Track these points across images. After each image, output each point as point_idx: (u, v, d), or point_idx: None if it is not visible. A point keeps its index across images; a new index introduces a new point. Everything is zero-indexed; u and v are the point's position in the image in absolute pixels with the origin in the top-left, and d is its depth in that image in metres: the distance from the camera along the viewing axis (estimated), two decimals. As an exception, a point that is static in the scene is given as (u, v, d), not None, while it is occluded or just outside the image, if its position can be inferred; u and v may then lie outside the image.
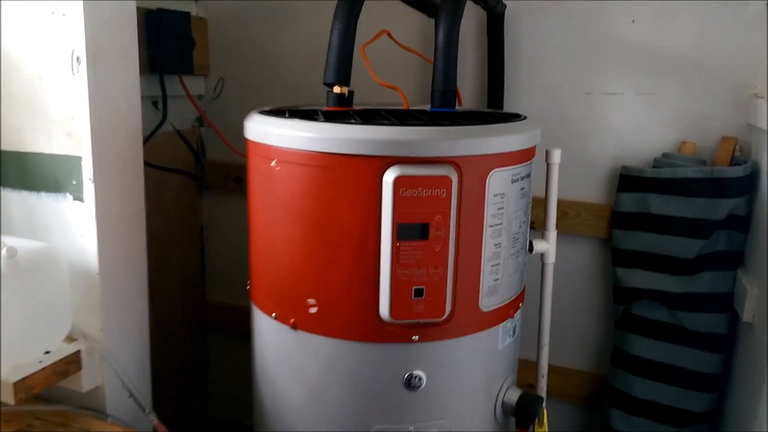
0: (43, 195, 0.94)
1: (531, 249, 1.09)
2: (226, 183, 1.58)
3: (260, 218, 0.94)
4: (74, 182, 0.92)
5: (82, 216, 0.92)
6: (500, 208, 0.88)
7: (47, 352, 0.89)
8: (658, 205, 1.21)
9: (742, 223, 1.18)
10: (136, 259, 1.00)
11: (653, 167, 1.23)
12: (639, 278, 1.23)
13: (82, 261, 0.93)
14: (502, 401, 0.97)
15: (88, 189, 0.91)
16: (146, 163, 1.05)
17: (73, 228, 0.93)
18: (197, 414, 1.73)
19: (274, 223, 0.90)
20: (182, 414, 1.65)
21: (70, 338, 0.94)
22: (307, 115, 0.94)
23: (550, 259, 1.14)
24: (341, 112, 0.97)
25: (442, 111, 0.99)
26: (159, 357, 1.16)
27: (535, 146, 0.97)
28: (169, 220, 1.52)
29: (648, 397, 1.21)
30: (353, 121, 0.87)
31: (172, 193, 1.52)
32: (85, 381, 0.92)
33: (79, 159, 0.91)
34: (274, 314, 0.93)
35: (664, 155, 1.25)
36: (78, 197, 0.92)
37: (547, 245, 1.13)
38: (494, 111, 1.25)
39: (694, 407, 1.19)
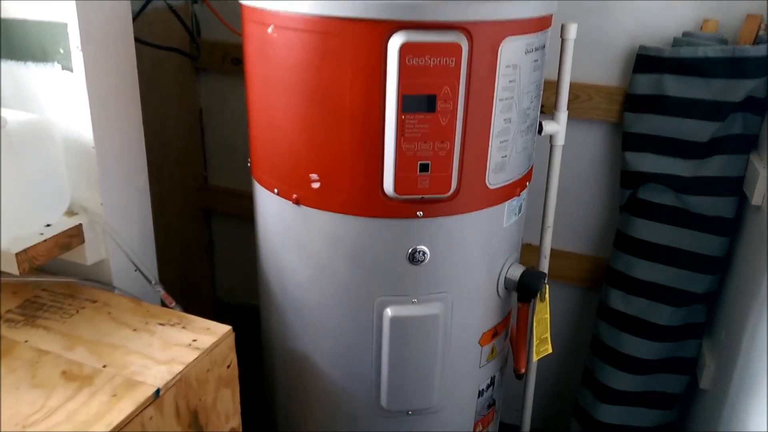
0: (30, 65, 0.90)
1: (540, 130, 1.06)
2: (224, 64, 1.52)
3: (258, 90, 0.90)
4: (61, 51, 0.87)
5: (73, 87, 0.88)
6: (512, 81, 0.84)
7: (48, 226, 0.88)
8: (675, 86, 1.16)
9: (759, 105, 1.14)
10: (132, 134, 0.97)
11: (672, 47, 1.17)
12: (648, 162, 1.21)
13: (75, 134, 0.90)
14: (505, 277, 0.98)
15: (77, 58, 0.86)
16: (138, 40, 1.00)
17: (64, 99, 0.89)
18: (205, 295, 1.77)
19: (272, 95, 0.87)
20: (190, 295, 1.69)
21: (71, 212, 0.93)
22: (307, -23, 0.87)
23: (559, 141, 1.11)
24: (344, -25, 0.91)
25: (453, -25, 0.92)
26: (164, 240, 1.17)
27: (551, 15, 0.91)
28: (167, 102, 1.48)
29: (647, 278, 1.23)
30: (356, -18, 0.81)
31: (168, 73, 1.46)
32: (89, 254, 0.93)
33: (64, 26, 0.85)
34: (276, 190, 0.92)
35: (685, 34, 1.19)
36: (67, 66, 0.87)
37: (557, 126, 1.10)
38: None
39: (693, 288, 1.21)
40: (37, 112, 0.91)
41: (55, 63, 0.88)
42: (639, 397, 1.29)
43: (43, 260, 0.86)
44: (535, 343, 1.08)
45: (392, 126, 0.80)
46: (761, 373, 0.91)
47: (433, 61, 0.77)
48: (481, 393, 1.05)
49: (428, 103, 0.79)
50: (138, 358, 0.80)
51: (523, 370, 1.11)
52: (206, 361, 0.82)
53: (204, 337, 0.85)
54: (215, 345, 0.84)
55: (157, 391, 0.74)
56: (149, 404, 0.73)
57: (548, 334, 1.08)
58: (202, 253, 1.74)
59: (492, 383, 1.07)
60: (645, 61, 1.19)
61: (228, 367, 0.87)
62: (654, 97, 1.19)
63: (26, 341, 0.83)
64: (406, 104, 0.79)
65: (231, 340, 0.87)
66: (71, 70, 0.87)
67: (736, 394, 1.01)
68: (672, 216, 1.20)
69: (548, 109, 1.17)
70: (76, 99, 0.88)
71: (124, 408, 0.71)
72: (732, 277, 1.20)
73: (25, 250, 0.83)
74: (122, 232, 0.96)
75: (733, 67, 1.11)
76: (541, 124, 1.04)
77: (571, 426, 1.40)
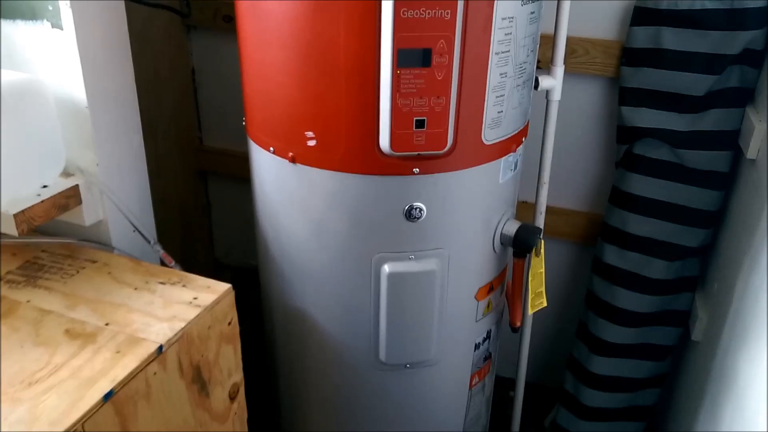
0: (19, 23, 0.88)
1: (536, 85, 1.05)
2: (215, 22, 1.49)
3: (251, 47, 0.89)
4: (50, 8, 0.85)
5: (63, 45, 0.86)
6: (508, 34, 0.83)
7: (45, 187, 0.88)
8: (672, 39, 1.15)
9: (757, 57, 1.13)
10: (125, 93, 0.96)
11: (670, -2, 1.16)
12: (645, 117, 1.20)
13: (68, 94, 0.89)
14: (501, 233, 0.99)
15: (66, 15, 0.85)
16: (127, -4, 0.98)
17: (55, 58, 0.88)
18: (203, 257, 1.78)
19: (266, 52, 0.86)
20: (188, 257, 1.70)
21: (67, 173, 0.93)
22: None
23: (556, 96, 1.11)
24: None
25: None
26: (161, 202, 1.17)
27: (548, -35, 0.89)
28: (159, 61, 1.45)
29: (642, 233, 1.24)
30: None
31: (159, 32, 1.44)
32: (87, 215, 0.93)
33: (52, -19, 0.84)
34: (271, 149, 0.92)
35: (683, -15, 1.17)
36: (56, 24, 0.86)
37: (554, 81, 1.09)
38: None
39: (688, 242, 1.22)
40: (27, 71, 0.89)
41: (45, 21, 0.86)
42: (632, 349, 1.31)
43: (41, 221, 0.87)
44: (530, 297, 1.09)
45: (387, 81, 0.79)
46: (752, 324, 0.93)
47: (428, 13, 0.76)
48: (477, 346, 1.07)
49: (423, 58, 0.78)
50: (140, 316, 0.81)
51: (518, 324, 1.13)
52: (207, 318, 0.83)
53: (204, 295, 0.86)
54: (216, 302, 0.85)
55: (160, 347, 0.76)
56: (152, 360, 0.75)
57: (543, 288, 1.09)
58: (200, 215, 1.74)
59: (488, 337, 1.09)
60: (642, 13, 1.17)
61: (229, 324, 0.88)
62: (651, 51, 1.18)
63: (28, 301, 0.84)
64: (401, 59, 0.78)
65: (231, 298, 0.88)
66: (61, 28, 0.86)
67: (726, 346, 1.04)
68: (667, 171, 1.20)
69: (545, 64, 1.16)
70: (67, 57, 0.87)
71: (128, 364, 0.73)
72: (725, 230, 1.21)
73: (22, 211, 0.84)
74: (119, 193, 0.96)
75: (731, 18, 1.09)
76: (537, 79, 1.04)
77: (565, 378, 1.43)
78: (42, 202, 0.86)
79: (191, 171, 1.66)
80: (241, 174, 1.22)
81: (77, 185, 0.91)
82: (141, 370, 0.73)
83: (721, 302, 1.11)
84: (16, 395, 0.68)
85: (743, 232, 1.08)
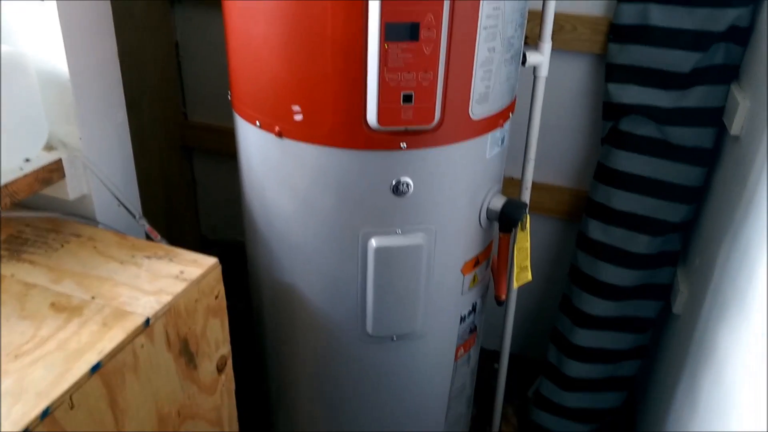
0: (-1, -7, 0.86)
1: (524, 61, 1.05)
2: (200, -6, 1.47)
3: (237, 19, 0.87)
4: (30, -23, 0.84)
5: (45, 17, 0.85)
6: (496, 8, 0.82)
7: (28, 161, 0.87)
8: (659, 15, 1.15)
9: (742, 35, 1.13)
10: (108, 67, 0.95)
11: (658, -27, 1.15)
12: (631, 94, 1.21)
13: (50, 68, 0.87)
14: (488, 208, 0.99)
15: (47, -15, 0.83)
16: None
17: (37, 30, 0.86)
18: (189, 233, 1.77)
19: (252, 24, 0.84)
20: (174, 233, 1.69)
21: (49, 147, 0.91)
22: None
23: (543, 72, 1.11)
24: None
25: None
26: (146, 178, 1.16)
27: (536, -62, 0.88)
28: (141, 35, 1.43)
29: (626, 209, 1.25)
30: None
31: (142, 5, 1.41)
32: (71, 189, 0.92)
33: (31, -51, 0.82)
34: (257, 123, 0.91)
35: (671, -40, 1.16)
36: (37, -5, 0.84)
37: (541, 57, 1.09)
38: None
39: (670, 218, 1.24)
40: (9, 43, 0.88)
41: (24, -9, 0.85)
42: (614, 322, 1.34)
43: (24, 195, 0.86)
44: (515, 271, 1.11)
45: (375, 55, 0.79)
46: (731, 298, 0.95)
47: (416, -13, 0.75)
48: (463, 319, 1.08)
49: (411, 32, 0.78)
50: (126, 290, 0.81)
51: (503, 297, 1.14)
52: (194, 292, 0.84)
53: (191, 268, 0.86)
54: (203, 276, 0.85)
55: (147, 320, 0.76)
56: (140, 333, 0.75)
57: (528, 263, 1.11)
58: (185, 191, 1.73)
59: (473, 310, 1.11)
60: (630, -11, 1.17)
61: (216, 297, 0.89)
62: (638, 27, 1.18)
63: (12, 275, 0.83)
64: (389, 32, 0.77)
65: (218, 272, 0.88)
66: (41, -1, 0.84)
67: (706, 319, 1.06)
68: (652, 147, 1.21)
69: (532, 41, 1.15)
70: (49, 30, 0.85)
71: (115, 336, 0.73)
72: (708, 206, 1.23)
73: (5, 185, 0.83)
74: (103, 167, 0.95)
75: (718, -6, 1.10)
76: (524, 55, 1.04)
77: (548, 350, 1.46)
78: (25, 176, 0.85)
79: (176, 147, 1.64)
80: (226, 149, 1.21)
81: (60, 159, 0.90)
82: (128, 342, 0.74)
83: (702, 277, 1.13)
84: (3, 368, 0.68)
85: (725, 207, 1.09)
